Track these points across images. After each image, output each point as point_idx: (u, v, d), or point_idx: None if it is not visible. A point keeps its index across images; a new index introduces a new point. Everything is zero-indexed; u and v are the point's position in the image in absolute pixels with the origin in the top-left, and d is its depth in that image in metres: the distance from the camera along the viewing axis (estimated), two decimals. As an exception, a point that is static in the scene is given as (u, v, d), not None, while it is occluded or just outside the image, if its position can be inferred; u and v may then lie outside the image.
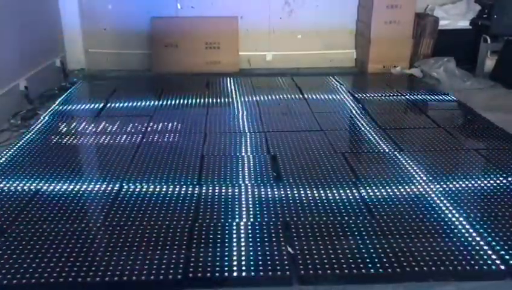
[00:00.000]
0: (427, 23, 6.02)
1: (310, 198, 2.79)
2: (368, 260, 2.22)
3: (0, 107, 4.12)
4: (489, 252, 2.28)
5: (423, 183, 2.97)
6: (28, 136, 3.76)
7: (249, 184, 2.97)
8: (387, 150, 3.49)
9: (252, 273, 2.14)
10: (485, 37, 5.71)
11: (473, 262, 2.21)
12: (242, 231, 2.45)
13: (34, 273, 2.12)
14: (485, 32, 5.76)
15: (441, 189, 2.90)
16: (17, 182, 2.99)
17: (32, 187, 2.92)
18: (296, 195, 2.83)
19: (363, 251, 2.29)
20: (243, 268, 2.17)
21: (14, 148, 3.50)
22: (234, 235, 2.42)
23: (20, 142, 3.61)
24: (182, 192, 2.87)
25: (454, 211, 2.64)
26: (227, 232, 2.45)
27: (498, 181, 3.00)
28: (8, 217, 2.58)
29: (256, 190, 2.90)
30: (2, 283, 2.08)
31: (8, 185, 2.96)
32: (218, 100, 4.77)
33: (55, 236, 2.40)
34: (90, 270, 2.15)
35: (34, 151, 3.46)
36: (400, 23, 5.88)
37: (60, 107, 4.51)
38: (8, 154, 3.40)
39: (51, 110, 4.39)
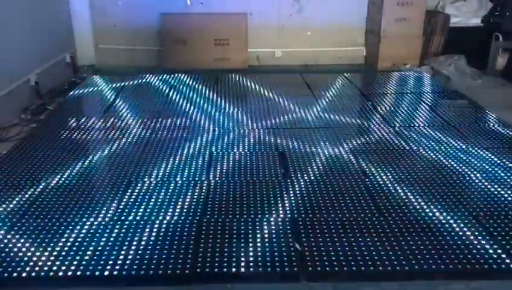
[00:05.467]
0: (438, 21, 5.98)
1: (318, 195, 2.78)
2: (375, 258, 2.21)
3: (11, 102, 4.15)
4: (499, 250, 2.26)
5: (432, 182, 2.95)
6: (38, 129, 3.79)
7: (257, 181, 2.97)
8: (396, 148, 3.48)
9: (260, 269, 2.14)
10: (497, 34, 5.65)
11: (482, 261, 2.19)
12: (250, 227, 2.45)
13: (43, 266, 2.14)
14: (497, 29, 5.71)
15: (450, 187, 2.87)
16: (28, 175, 3.02)
17: (42, 181, 2.95)
18: (304, 192, 2.82)
19: (371, 248, 2.28)
20: (251, 264, 2.17)
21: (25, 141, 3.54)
22: (242, 232, 2.42)
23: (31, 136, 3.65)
24: (190, 188, 2.87)
25: (463, 210, 2.62)
26: (235, 228, 2.45)
27: (508, 180, 2.97)
28: (18, 211, 2.61)
29: (264, 186, 2.90)
30: (12, 275, 2.10)
31: (18, 178, 2.99)
32: (227, 97, 4.77)
33: (64, 229, 2.42)
34: (98, 264, 2.16)
35: (45, 145, 3.49)
36: (410, 20, 5.85)
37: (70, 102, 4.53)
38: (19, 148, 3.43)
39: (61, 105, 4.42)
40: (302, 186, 2.90)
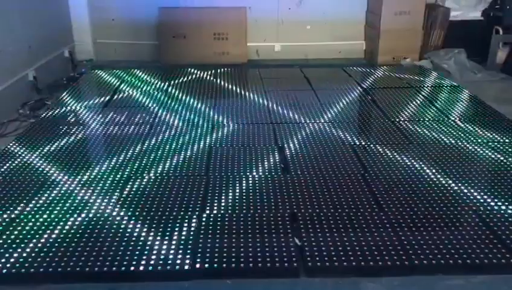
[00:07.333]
0: (438, 14, 5.95)
1: (318, 190, 2.78)
2: (375, 253, 2.20)
3: (9, 97, 4.14)
4: (499, 245, 2.25)
5: (432, 176, 2.94)
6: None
7: (257, 176, 2.96)
8: (396, 142, 3.46)
9: (260, 264, 2.14)
10: (497, 28, 5.63)
11: (482, 255, 2.19)
12: (249, 223, 2.44)
13: (42, 263, 2.13)
14: (497, 23, 5.69)
15: (450, 182, 2.87)
16: (27, 171, 3.01)
17: (41, 176, 2.94)
18: (304, 187, 2.81)
19: (371, 243, 2.27)
20: (250, 259, 2.16)
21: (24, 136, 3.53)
22: (241, 227, 2.41)
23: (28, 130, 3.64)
24: (190, 183, 2.86)
25: (463, 205, 2.61)
26: (234, 223, 2.44)
27: (509, 175, 2.96)
28: (17, 207, 2.60)
29: (263, 181, 2.89)
30: (11, 271, 2.09)
31: (17, 173, 2.98)
32: (226, 91, 4.76)
33: (63, 225, 2.41)
34: (97, 260, 2.15)
35: (43, 141, 3.47)
36: (410, 14, 5.83)
37: (69, 97, 4.52)
38: (16, 143, 3.42)
39: (60, 100, 4.41)
40: (302, 181, 2.88)
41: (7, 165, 3.10)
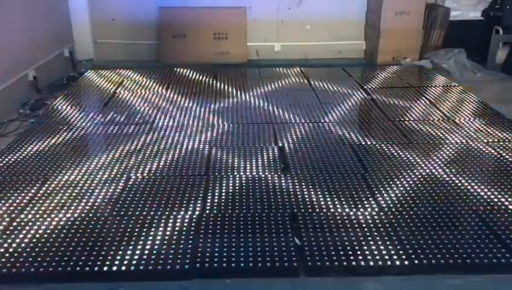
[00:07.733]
0: (438, 14, 5.95)
1: (318, 190, 2.78)
2: (375, 252, 2.20)
3: (9, 97, 4.14)
4: (499, 245, 2.25)
5: (432, 176, 2.94)
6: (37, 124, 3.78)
7: (256, 175, 2.96)
8: (396, 142, 3.46)
9: (259, 264, 2.14)
10: (497, 28, 5.63)
11: (482, 255, 2.19)
12: (249, 222, 2.44)
13: (42, 263, 2.13)
14: (497, 23, 5.69)
15: (450, 181, 2.87)
16: (26, 171, 3.00)
17: (41, 176, 2.94)
18: (304, 186, 2.81)
19: (371, 243, 2.27)
20: (250, 259, 2.16)
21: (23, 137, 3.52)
22: (241, 226, 2.41)
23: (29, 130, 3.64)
24: (190, 182, 2.86)
25: (463, 204, 2.61)
26: (234, 223, 2.44)
27: (509, 174, 2.96)
28: (17, 206, 2.60)
29: (263, 181, 2.89)
30: (11, 271, 2.09)
31: (17, 174, 2.97)
32: (226, 91, 4.76)
33: (63, 225, 2.41)
34: (97, 259, 2.15)
35: (42, 141, 3.47)
36: (410, 13, 5.83)
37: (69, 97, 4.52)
38: (17, 144, 3.42)
39: (60, 100, 4.41)
40: (302, 181, 2.89)
41: None
